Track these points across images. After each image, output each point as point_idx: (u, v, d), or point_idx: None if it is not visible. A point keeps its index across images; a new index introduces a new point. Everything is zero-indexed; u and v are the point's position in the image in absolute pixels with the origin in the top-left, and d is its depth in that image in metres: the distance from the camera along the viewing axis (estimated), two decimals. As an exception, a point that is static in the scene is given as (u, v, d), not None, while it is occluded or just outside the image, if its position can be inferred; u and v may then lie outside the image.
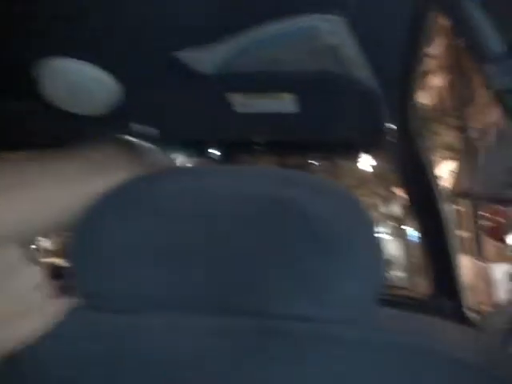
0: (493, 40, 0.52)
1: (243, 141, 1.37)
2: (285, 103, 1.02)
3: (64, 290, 0.47)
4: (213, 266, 0.41)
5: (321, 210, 0.41)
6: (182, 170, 0.55)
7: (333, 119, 1.15)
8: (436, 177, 1.27)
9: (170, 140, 1.30)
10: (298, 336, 0.40)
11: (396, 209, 11.44)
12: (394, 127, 1.18)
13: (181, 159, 1.45)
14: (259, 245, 0.40)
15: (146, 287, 0.42)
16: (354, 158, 1.86)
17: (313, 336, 0.40)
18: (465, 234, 8.36)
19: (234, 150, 1.41)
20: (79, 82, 0.94)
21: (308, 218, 0.40)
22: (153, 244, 0.42)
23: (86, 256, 0.44)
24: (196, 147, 1.41)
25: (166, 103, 1.08)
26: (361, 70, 0.89)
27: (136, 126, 1.18)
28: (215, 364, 0.40)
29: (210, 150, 1.39)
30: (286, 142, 1.38)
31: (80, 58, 0.90)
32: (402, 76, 0.96)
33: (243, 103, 1.04)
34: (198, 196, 0.43)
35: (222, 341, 0.40)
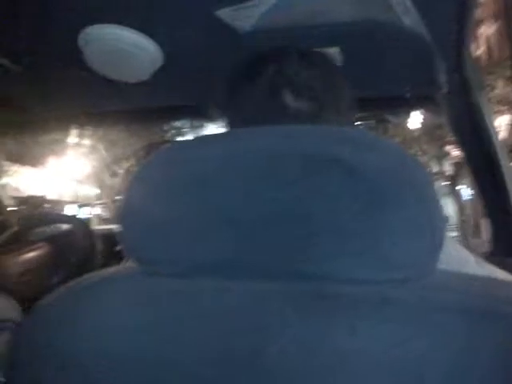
0: None
1: None
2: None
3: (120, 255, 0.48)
4: (263, 229, 0.40)
5: (372, 166, 0.39)
6: (226, 134, 0.53)
7: (382, 73, 1.09)
8: (495, 131, 1.19)
9: (213, 107, 1.28)
10: (350, 299, 0.39)
11: (448, 167, 11.08)
12: (450, 79, 1.11)
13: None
14: (308, 206, 0.39)
15: (198, 253, 0.42)
16: (405, 115, 1.78)
17: (366, 298, 0.39)
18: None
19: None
20: (120, 48, 0.93)
21: (359, 175, 0.39)
22: (201, 210, 0.41)
23: (135, 223, 0.44)
24: None
25: (206, 67, 1.05)
26: (412, 17, 0.83)
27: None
28: (274, 327, 0.39)
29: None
30: None
31: (120, 23, 0.88)
32: (457, 21, 0.89)
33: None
34: (243, 158, 0.42)
35: (279, 305, 0.40)
